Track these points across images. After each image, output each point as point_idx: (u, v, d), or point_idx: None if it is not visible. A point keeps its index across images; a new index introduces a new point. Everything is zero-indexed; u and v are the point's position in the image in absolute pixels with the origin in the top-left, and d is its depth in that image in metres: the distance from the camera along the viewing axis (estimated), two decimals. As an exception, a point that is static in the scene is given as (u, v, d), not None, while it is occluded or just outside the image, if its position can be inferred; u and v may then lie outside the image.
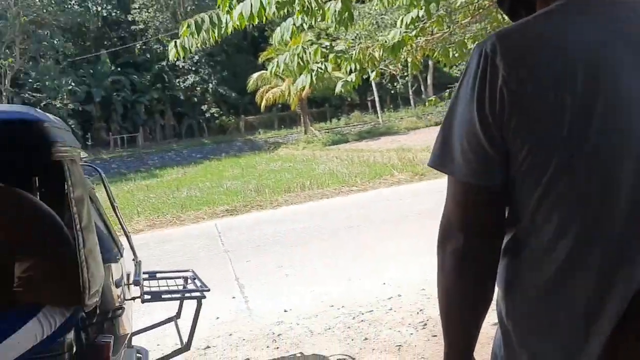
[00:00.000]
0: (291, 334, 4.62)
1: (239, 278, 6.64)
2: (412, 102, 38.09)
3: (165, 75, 38.68)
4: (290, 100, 32.39)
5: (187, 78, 38.07)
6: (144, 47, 38.64)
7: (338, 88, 3.88)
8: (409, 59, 3.85)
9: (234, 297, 5.87)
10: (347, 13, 3.02)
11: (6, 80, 31.60)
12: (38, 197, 2.68)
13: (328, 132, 35.07)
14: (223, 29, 2.85)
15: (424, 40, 3.75)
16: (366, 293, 5.46)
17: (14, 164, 2.63)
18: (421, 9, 3.45)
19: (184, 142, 37.18)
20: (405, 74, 30.27)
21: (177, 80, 38.26)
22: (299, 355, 4.16)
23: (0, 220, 2.36)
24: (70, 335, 2.55)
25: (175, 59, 3.25)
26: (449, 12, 3.80)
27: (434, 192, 10.91)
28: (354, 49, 3.57)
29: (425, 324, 4.39)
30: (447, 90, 5.47)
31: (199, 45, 2.98)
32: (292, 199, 12.45)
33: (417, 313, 4.70)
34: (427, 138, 24.99)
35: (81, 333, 2.63)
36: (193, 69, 37.37)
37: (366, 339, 4.29)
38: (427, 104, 5.82)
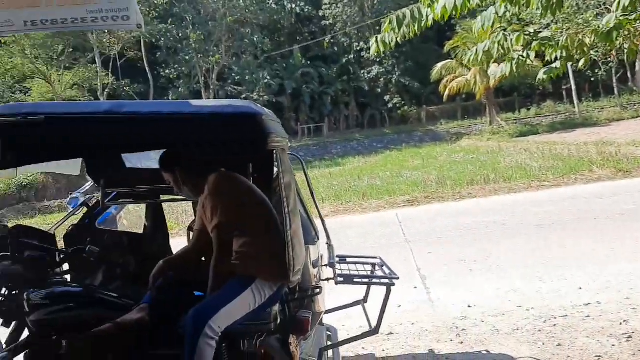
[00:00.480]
0: (476, 331, 4.53)
1: (421, 269, 6.66)
2: (615, 90, 34.07)
3: (351, 67, 39.96)
4: (476, 89, 31.27)
5: (372, 69, 38.86)
6: (332, 40, 40.28)
7: (540, 75, 3.64)
8: (626, 45, 3.47)
9: (415, 287, 5.92)
10: (555, -1, 2.85)
11: (213, 75, 35.42)
12: (252, 181, 3.00)
13: (516, 123, 33.16)
14: (423, 22, 2.88)
15: (644, 25, 3.36)
16: (559, 296, 5.12)
17: (235, 152, 2.97)
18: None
19: (365, 132, 38.11)
20: (609, 59, 27.24)
21: (362, 71, 39.26)
22: (484, 352, 4.07)
23: (222, 201, 2.71)
24: (276, 308, 2.84)
25: (376, 54, 3.37)
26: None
27: (642, 191, 9.77)
28: (561, 36, 3.34)
29: (630, 337, 3.98)
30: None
31: (398, 39, 3.05)
32: (476, 192, 12.06)
33: (620, 324, 4.28)
34: (633, 130, 22.30)
35: (285, 307, 2.91)
36: (378, 60, 37.97)
37: (559, 345, 4.04)
38: None
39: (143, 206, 3.71)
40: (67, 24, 2.89)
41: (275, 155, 2.72)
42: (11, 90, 29.47)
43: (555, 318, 4.58)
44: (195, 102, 2.46)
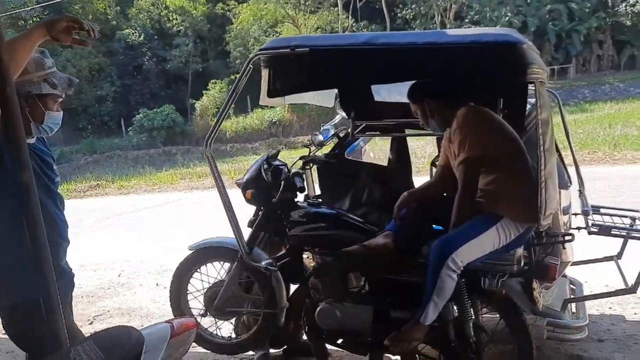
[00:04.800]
0: None
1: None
2: None
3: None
4: None
5: (638, 1, 33.32)
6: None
7: None
8: None
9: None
10: None
11: (450, 14, 34.32)
12: (502, 116, 2.85)
13: None
14: None
15: None
16: None
17: (490, 84, 2.85)
18: None
19: (622, 74, 33.28)
20: None
21: (624, 4, 33.95)
22: None
23: (470, 136, 2.63)
24: (520, 250, 2.73)
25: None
26: None
27: None
28: None
29: None
30: None
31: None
32: None
33: None
34: None
35: (531, 250, 2.77)
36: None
37: None
38: None
39: (388, 140, 3.83)
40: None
41: (533, 88, 2.53)
42: (265, 34, 32.68)
43: None
44: (452, 32, 2.40)
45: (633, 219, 3.50)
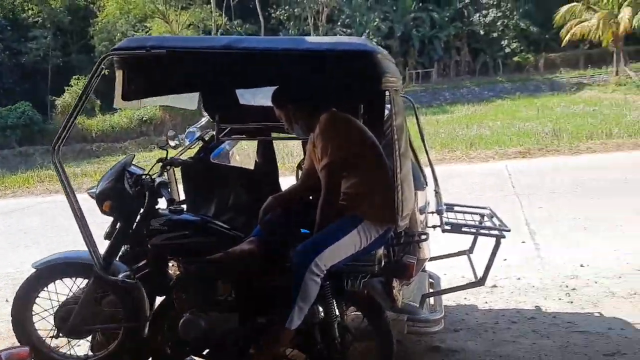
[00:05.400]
0: (587, 291, 4.28)
1: (530, 223, 6.36)
2: None
3: (466, 10, 37.81)
4: (602, 36, 28.51)
5: (488, 13, 36.52)
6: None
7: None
8: None
9: (523, 242, 5.68)
10: None
11: (323, 17, 35.17)
12: (362, 122, 2.95)
13: (647, 74, 30.05)
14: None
15: None
16: (685, 263, 4.69)
17: (348, 90, 2.92)
18: None
19: (477, 79, 36.38)
20: None
21: (477, 14, 37.03)
22: (597, 314, 3.84)
23: (333, 141, 2.68)
24: (381, 250, 2.84)
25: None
26: None
27: None
28: None
29: None
30: None
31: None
32: (596, 147, 11.22)
33: None
34: None
35: (390, 250, 2.89)
36: (495, 3, 35.62)
37: (684, 314, 3.72)
38: None
39: (255, 143, 3.80)
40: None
41: (388, 96, 2.64)
42: (133, 29, 31.20)
43: (682, 286, 4.21)
44: (310, 39, 2.42)
45: (482, 215, 3.79)
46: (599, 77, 31.44)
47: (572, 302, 4.11)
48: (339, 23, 36.55)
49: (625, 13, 25.34)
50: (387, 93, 2.62)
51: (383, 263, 2.84)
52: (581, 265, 4.87)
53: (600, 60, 33.69)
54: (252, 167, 3.78)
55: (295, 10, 35.48)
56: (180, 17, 31.29)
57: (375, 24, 35.36)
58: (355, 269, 2.76)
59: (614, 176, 8.41)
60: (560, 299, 4.19)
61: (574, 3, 29.81)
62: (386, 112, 3.09)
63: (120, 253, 3.01)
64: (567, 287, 4.42)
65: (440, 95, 32.77)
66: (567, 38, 29.70)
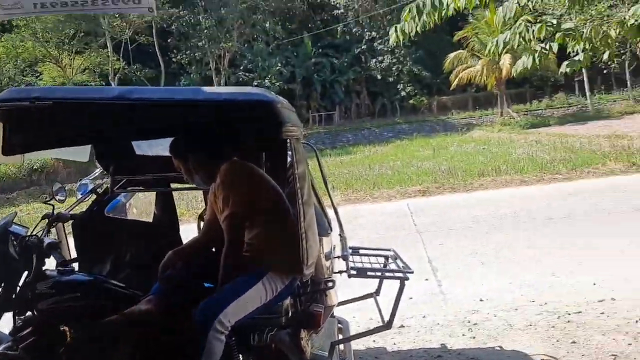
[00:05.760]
0: (488, 325, 4.45)
1: (432, 260, 6.58)
2: (628, 83, 33.58)
3: (363, 56, 39.61)
4: (487, 80, 30.92)
5: (384, 59, 38.49)
6: (344, 29, 39.93)
7: (563, 68, 3.54)
8: (653, 38, 3.34)
9: (427, 279, 5.85)
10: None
11: (225, 62, 35.28)
12: (264, 171, 2.92)
13: (527, 115, 32.85)
14: (444, 12, 2.78)
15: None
16: (573, 291, 5.03)
17: (248, 140, 2.90)
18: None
19: (377, 121, 37.89)
20: (622, 51, 26.78)
21: (374, 60, 38.91)
22: (497, 349, 3.99)
23: (234, 191, 2.63)
24: (287, 302, 2.78)
25: (395, 44, 3.26)
26: None
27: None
28: (585, 27, 3.21)
29: (647, 336, 3.88)
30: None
31: (418, 28, 2.95)
32: (487, 184, 11.93)
33: (636, 322, 4.18)
34: (648, 124, 22.02)
35: (297, 300, 2.84)
36: (390, 49, 37.64)
37: (574, 342, 3.95)
38: None
39: (153, 194, 3.64)
40: (77, 6, 2.81)
41: (289, 145, 2.64)
42: (22, 74, 29.53)
43: (570, 314, 4.49)
44: (208, 89, 2.38)
45: (387, 257, 3.85)
46: (486, 118, 33.85)
47: (474, 338, 4.24)
48: (241, 67, 36.83)
49: (506, 60, 27.67)
50: (288, 142, 2.62)
51: (290, 314, 2.78)
52: (481, 300, 5.08)
53: (487, 102, 36.38)
54: (150, 219, 3.60)
55: (197, 54, 35.33)
56: (74, 62, 30.06)
57: (277, 68, 36.02)
58: (262, 322, 2.67)
59: (505, 211, 8.96)
60: (464, 335, 4.32)
61: (460, 50, 32.17)
62: (289, 159, 3.10)
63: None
64: (469, 322, 4.57)
65: (343, 136, 33.73)
66: (455, 82, 31.89)
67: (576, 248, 6.38)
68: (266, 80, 34.91)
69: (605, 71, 33.23)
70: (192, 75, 36.04)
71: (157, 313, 2.60)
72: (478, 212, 9.11)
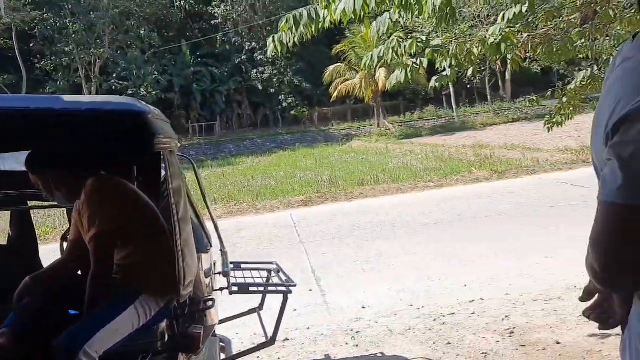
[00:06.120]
0: (370, 332, 4.54)
1: (315, 270, 6.63)
2: (489, 97, 36.81)
3: (243, 66, 39.44)
4: (364, 93, 32.18)
5: (265, 70, 38.61)
6: (224, 39, 39.52)
7: (432, 83, 3.73)
8: (509, 56, 3.62)
9: (310, 290, 5.87)
10: (449, 8, 2.87)
11: (96, 69, 33.34)
12: (136, 186, 2.73)
13: (401, 126, 34.63)
14: (320, 24, 2.80)
15: (528, 36, 3.53)
16: (447, 294, 5.30)
17: (116, 154, 2.69)
18: (524, 4, 3.24)
19: (259, 131, 37.87)
20: (483, 68, 29.29)
21: (255, 71, 38.90)
22: (379, 355, 4.07)
23: (102, 208, 2.42)
24: (164, 324, 2.60)
25: (274, 54, 3.23)
26: (556, 7, 3.55)
27: (516, 191, 10.51)
28: (451, 44, 3.41)
29: (512, 332, 4.18)
30: (550, 90, 5.16)
31: (296, 40, 2.93)
32: (367, 192, 12.34)
33: (503, 320, 4.49)
34: (504, 134, 24.20)
35: (174, 322, 2.67)
36: (270, 60, 37.89)
37: (449, 343, 4.14)
38: (528, 103, 5.50)
39: (7, 213, 3.27)
40: None
41: (162, 158, 2.48)
42: None
43: (444, 316, 4.71)
44: (69, 98, 2.15)
45: (269, 271, 3.79)
46: (364, 129, 35.17)
47: (357, 346, 4.30)
48: (114, 75, 34.99)
49: (381, 73, 29.02)
50: (161, 155, 2.47)
51: (167, 337, 2.60)
52: (363, 307, 5.18)
53: (365, 114, 37.84)
54: (5, 241, 3.23)
55: (64, 60, 33.01)
56: None
57: (154, 77, 34.70)
58: (135, 348, 2.47)
59: (384, 219, 9.31)
60: (347, 344, 4.36)
61: (339, 63, 33.20)
62: (163, 173, 2.93)
63: None
64: (352, 330, 4.63)
65: (225, 147, 33.27)
66: (335, 94, 32.83)
67: (448, 252, 6.77)
68: (142, 89, 33.47)
69: (469, 86, 36.14)
70: (58, 83, 33.56)
71: (11, 347, 2.31)
72: (359, 220, 9.37)
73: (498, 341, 4.07)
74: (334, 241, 8.12)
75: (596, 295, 1.24)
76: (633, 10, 3.44)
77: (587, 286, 1.23)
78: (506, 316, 4.54)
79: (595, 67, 3.98)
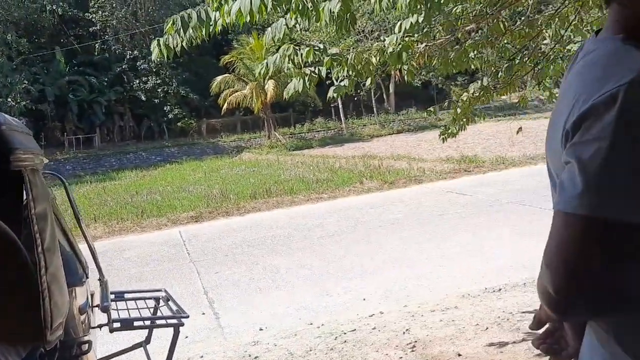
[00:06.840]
0: (269, 357, 4.28)
1: (208, 291, 6.24)
2: (374, 109, 38.20)
3: (125, 76, 37.50)
4: (254, 104, 31.94)
5: (148, 80, 37.00)
6: (103, 47, 37.36)
7: (330, 93, 3.59)
8: (405, 67, 3.58)
9: (203, 314, 5.49)
10: (348, 14, 2.73)
11: (-49, 76, 30.05)
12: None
13: (292, 137, 34.75)
14: (212, 27, 2.53)
15: (424, 47, 3.51)
16: (346, 309, 5.19)
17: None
18: (421, 14, 3.20)
19: (143, 144, 36.15)
20: (384, 76, 30.38)
21: (138, 81, 37.15)
22: (281, 382, 3.83)
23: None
24: (28, 376, 2.17)
25: (159, 59, 2.89)
26: (452, 18, 3.57)
27: (406, 200, 10.79)
28: (349, 54, 3.29)
29: (414, 346, 4.12)
30: (446, 101, 5.25)
31: (184, 44, 2.63)
32: (260, 206, 12.07)
33: (403, 333, 4.43)
34: (391, 145, 25.14)
35: (41, 373, 2.24)
36: (154, 70, 36.40)
37: (352, 362, 4.00)
38: (426, 113, 5.62)
39: None
40: None
41: (23, 177, 2.07)
42: None
43: (345, 333, 4.58)
44: None
45: (158, 299, 3.41)
46: (255, 141, 34.87)
47: (256, 373, 4.03)
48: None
49: (270, 84, 29.00)
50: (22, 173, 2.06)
51: (32, 393, 2.18)
52: (260, 329, 4.92)
53: (255, 125, 37.57)
54: None
55: None
56: None
57: (23, 86, 31.88)
58: (-9, 410, 2.03)
59: (279, 232, 9.10)
60: (245, 372, 4.08)
61: (227, 74, 32.70)
62: (24, 195, 2.48)
63: None
64: (249, 356, 4.34)
65: (106, 161, 31.33)
66: (225, 106, 32.23)
67: (345, 265, 6.70)
68: (9, 99, 30.61)
69: (355, 98, 37.29)
70: None
71: None
72: (253, 235, 9.08)
73: (401, 357, 3.99)
74: (227, 259, 7.76)
75: (547, 324, 1.10)
76: (522, 25, 3.57)
77: (538, 312, 1.08)
78: (407, 329, 4.49)
79: (486, 79, 4.07)
